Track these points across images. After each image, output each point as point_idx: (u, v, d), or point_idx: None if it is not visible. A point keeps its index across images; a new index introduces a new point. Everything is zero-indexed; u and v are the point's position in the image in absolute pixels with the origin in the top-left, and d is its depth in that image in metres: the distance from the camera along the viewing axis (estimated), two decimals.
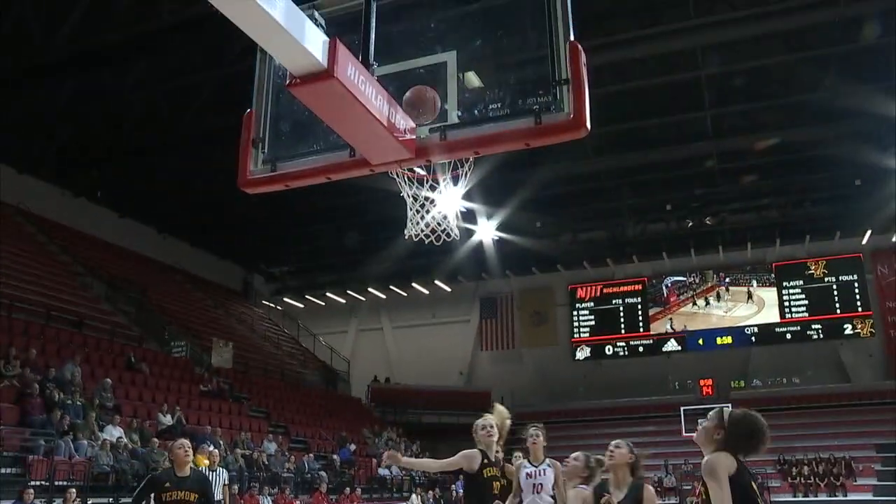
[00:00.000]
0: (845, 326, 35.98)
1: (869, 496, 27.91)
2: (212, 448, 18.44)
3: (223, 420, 22.32)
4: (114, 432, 16.95)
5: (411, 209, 5.99)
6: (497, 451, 6.41)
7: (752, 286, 37.61)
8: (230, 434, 21.21)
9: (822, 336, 36.11)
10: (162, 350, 25.32)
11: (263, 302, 40.05)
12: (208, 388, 24.12)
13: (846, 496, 27.10)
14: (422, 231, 6.23)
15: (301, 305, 41.83)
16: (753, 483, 4.04)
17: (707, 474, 3.97)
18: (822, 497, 27.21)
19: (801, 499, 29.82)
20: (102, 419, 17.36)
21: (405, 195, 5.85)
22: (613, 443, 5.88)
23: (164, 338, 26.24)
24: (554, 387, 38.65)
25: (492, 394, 38.32)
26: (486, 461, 6.22)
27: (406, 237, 6.46)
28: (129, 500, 15.34)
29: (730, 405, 29.48)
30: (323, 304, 41.53)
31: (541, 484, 6.99)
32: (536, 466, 7.26)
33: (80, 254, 27.30)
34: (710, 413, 4.35)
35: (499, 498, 6.29)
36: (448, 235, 6.31)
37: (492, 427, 6.49)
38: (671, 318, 38.36)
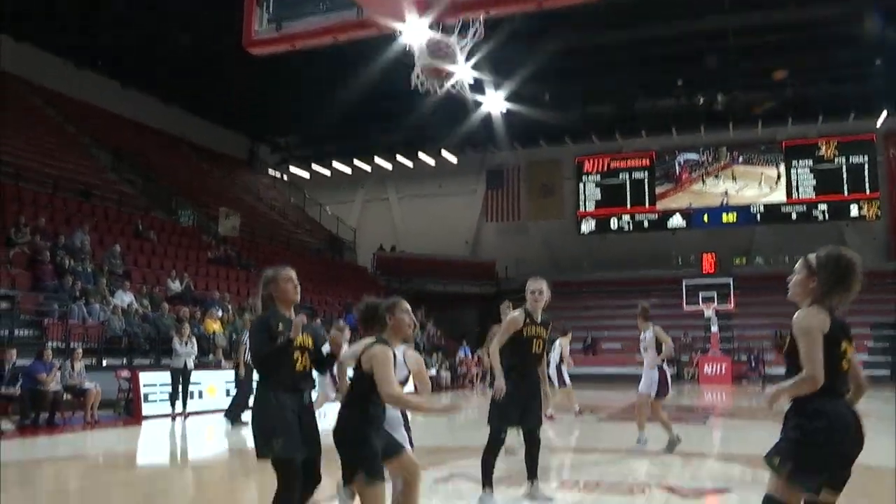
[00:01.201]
0: (851, 208, 35.94)
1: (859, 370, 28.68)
2: (220, 312, 18.92)
3: (231, 286, 22.65)
4: (125, 298, 17.25)
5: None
6: (542, 313, 6.51)
7: (763, 165, 37.30)
8: (238, 300, 21.56)
9: (827, 217, 36.10)
10: (169, 219, 25.44)
11: (269, 172, 39.93)
12: (216, 255, 24.36)
13: None
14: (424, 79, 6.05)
15: (307, 175, 41.71)
16: (847, 341, 3.74)
17: (799, 331, 3.74)
18: None
19: None
20: (113, 285, 17.63)
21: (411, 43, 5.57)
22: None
23: (170, 207, 26.33)
24: (559, 259, 39.01)
25: (496, 264, 38.87)
26: (528, 320, 6.33)
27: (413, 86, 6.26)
28: (147, 361, 15.88)
29: (731, 280, 29.76)
30: (329, 174, 41.39)
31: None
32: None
33: (85, 124, 27.03)
34: (797, 264, 4.12)
35: (539, 357, 6.46)
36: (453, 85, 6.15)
37: (541, 293, 6.51)
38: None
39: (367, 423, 4.44)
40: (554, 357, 14.91)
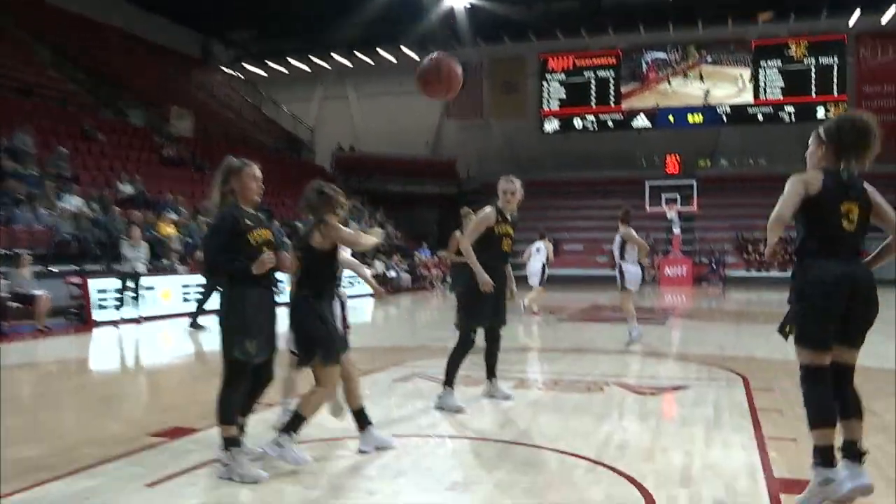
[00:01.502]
0: (818, 110, 36.01)
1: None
2: (174, 215, 18.67)
3: (185, 188, 22.27)
4: (73, 202, 16.86)
5: None
6: (513, 213, 6.64)
7: (731, 65, 37.10)
8: (192, 202, 21.24)
9: (793, 119, 36.24)
10: (118, 119, 24.71)
11: (224, 69, 38.85)
12: (169, 156, 23.85)
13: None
14: None
15: (263, 73, 40.71)
16: (851, 202, 3.76)
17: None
18: (774, 273, 28.44)
19: (753, 274, 31.29)
20: (60, 189, 17.19)
21: None
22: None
23: (119, 107, 25.53)
24: (521, 159, 38.92)
25: (457, 163, 38.71)
26: (499, 218, 6.36)
27: None
28: (98, 267, 15.67)
29: (695, 181, 30.01)
30: (286, 71, 40.43)
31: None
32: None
33: (26, 19, 25.75)
34: (810, 138, 4.18)
35: (507, 256, 6.59)
36: None
37: (513, 193, 6.62)
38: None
39: (320, 303, 4.69)
40: (540, 258, 15.30)
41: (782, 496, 4.07)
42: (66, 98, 22.91)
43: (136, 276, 14.25)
